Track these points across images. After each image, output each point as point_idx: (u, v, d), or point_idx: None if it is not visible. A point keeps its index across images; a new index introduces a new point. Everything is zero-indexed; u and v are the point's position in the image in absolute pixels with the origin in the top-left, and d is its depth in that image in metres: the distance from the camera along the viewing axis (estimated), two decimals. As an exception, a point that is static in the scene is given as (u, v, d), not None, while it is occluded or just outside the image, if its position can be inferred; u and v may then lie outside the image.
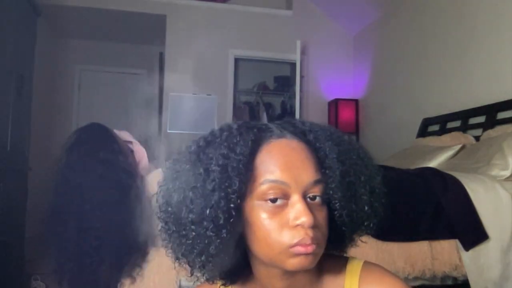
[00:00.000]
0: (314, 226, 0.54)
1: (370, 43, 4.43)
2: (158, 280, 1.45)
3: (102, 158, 1.44)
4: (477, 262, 1.61)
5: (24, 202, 2.77)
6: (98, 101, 5.06)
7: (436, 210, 1.63)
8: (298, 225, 0.53)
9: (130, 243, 1.43)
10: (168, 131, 4.33)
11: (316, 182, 0.56)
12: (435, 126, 3.13)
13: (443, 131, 2.95)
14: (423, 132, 3.22)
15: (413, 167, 2.08)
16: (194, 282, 0.65)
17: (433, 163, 2.33)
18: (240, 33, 4.54)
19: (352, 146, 0.63)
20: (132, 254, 1.44)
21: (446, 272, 1.63)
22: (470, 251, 1.60)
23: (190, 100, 4.39)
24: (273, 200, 0.55)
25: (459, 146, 2.44)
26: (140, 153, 1.72)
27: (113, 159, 1.47)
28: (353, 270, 0.63)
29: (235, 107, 4.71)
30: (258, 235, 0.55)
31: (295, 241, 0.53)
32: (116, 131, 1.65)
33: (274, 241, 0.54)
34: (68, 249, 1.39)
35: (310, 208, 0.55)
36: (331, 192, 0.58)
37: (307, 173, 0.56)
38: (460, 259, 1.62)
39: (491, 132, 2.40)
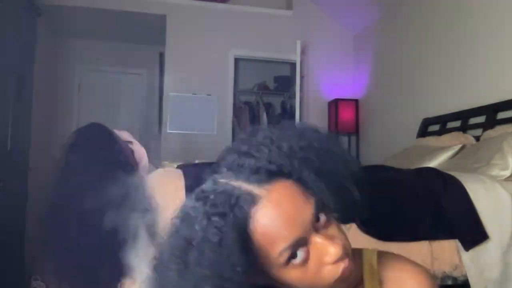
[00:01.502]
0: (343, 247, 0.54)
1: (370, 43, 4.43)
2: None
3: (102, 158, 1.44)
4: (477, 262, 1.61)
5: (24, 202, 2.77)
6: (98, 101, 5.06)
7: (436, 210, 1.63)
8: (332, 261, 0.53)
9: (130, 243, 1.43)
10: (168, 131, 4.34)
11: (315, 210, 0.54)
12: (435, 126, 3.13)
13: (443, 131, 2.95)
14: (423, 132, 3.22)
15: (413, 167, 2.08)
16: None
17: (433, 163, 2.33)
18: (240, 33, 4.54)
19: (315, 147, 0.57)
20: (132, 254, 1.44)
21: (446, 272, 1.63)
22: (470, 251, 1.60)
23: (190, 100, 4.39)
24: (295, 256, 0.52)
25: (459, 146, 2.44)
26: (140, 153, 1.72)
27: (113, 159, 1.47)
28: (368, 259, 0.64)
29: (235, 107, 4.71)
30: (302, 286, 0.54)
31: (339, 273, 0.53)
32: (116, 131, 1.65)
33: (320, 283, 0.54)
34: (68, 249, 1.39)
35: (326, 233, 0.54)
36: (327, 203, 0.56)
37: (305, 213, 0.53)
38: (460, 259, 1.62)
39: (491, 132, 2.40)
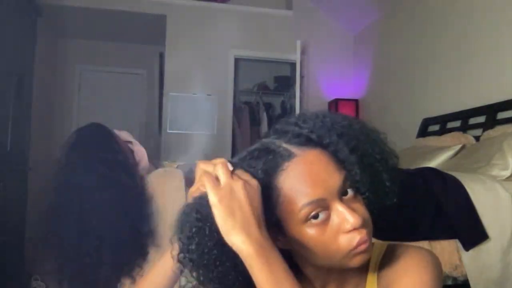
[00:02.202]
0: (364, 221, 0.56)
1: (370, 43, 4.43)
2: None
3: (102, 158, 1.45)
4: (477, 262, 1.61)
5: (24, 202, 2.77)
6: (98, 101, 5.06)
7: (436, 210, 1.63)
8: (350, 229, 0.55)
9: (130, 243, 1.43)
10: (168, 131, 4.34)
11: (345, 180, 0.57)
12: (435, 126, 3.13)
13: (443, 131, 2.95)
14: (423, 132, 3.22)
15: (413, 167, 2.08)
16: (195, 281, 0.64)
17: (433, 163, 2.33)
18: (240, 33, 4.54)
19: (355, 128, 0.62)
20: (132, 254, 1.44)
21: (446, 272, 1.63)
22: (470, 251, 1.60)
23: (190, 100, 4.39)
24: (316, 217, 0.55)
25: (459, 146, 2.44)
26: (140, 153, 1.72)
27: (113, 159, 1.47)
28: (378, 252, 0.66)
29: (235, 107, 4.71)
30: (316, 250, 0.57)
31: (355, 244, 0.55)
32: (116, 131, 1.65)
33: (335, 251, 0.56)
34: (68, 249, 1.39)
35: (350, 206, 0.56)
36: (356, 179, 0.59)
37: (333, 179, 0.56)
38: (460, 259, 1.62)
39: (491, 132, 2.40)
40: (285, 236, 0.59)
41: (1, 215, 2.27)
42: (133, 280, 1.44)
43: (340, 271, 0.63)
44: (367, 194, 0.60)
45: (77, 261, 1.38)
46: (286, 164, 0.56)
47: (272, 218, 0.57)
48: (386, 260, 0.64)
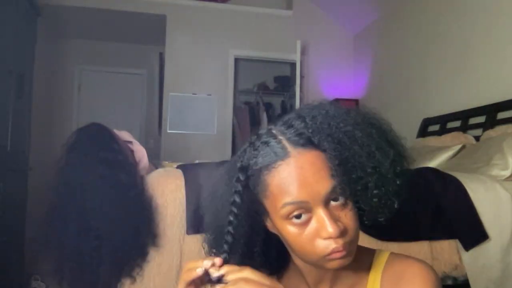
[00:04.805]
0: (343, 231, 0.56)
1: (370, 43, 4.43)
2: (158, 280, 1.45)
3: (102, 158, 1.44)
4: (477, 262, 1.61)
5: (24, 202, 2.77)
6: (98, 101, 5.06)
7: (436, 210, 1.63)
8: (327, 237, 0.56)
9: (130, 243, 1.43)
10: (168, 131, 4.34)
11: (334, 188, 0.57)
12: (435, 126, 3.13)
13: (443, 131, 2.95)
14: (423, 132, 3.22)
15: (413, 167, 2.08)
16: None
17: (433, 163, 2.33)
18: (240, 33, 4.54)
19: (357, 136, 0.61)
20: (132, 254, 1.44)
21: (446, 272, 1.63)
22: (470, 251, 1.60)
23: (190, 100, 4.39)
24: (298, 217, 0.57)
25: (459, 146, 2.44)
26: (140, 153, 1.72)
27: (113, 159, 1.47)
28: (380, 261, 0.67)
29: (235, 107, 4.71)
30: (294, 247, 0.59)
31: (328, 251, 0.56)
32: (116, 131, 1.65)
33: (310, 252, 0.58)
34: (68, 249, 1.39)
35: (334, 213, 0.57)
36: (348, 187, 0.58)
37: (321, 185, 0.57)
38: (460, 259, 1.62)
39: (491, 132, 2.40)
40: (272, 223, 0.62)
41: (1, 215, 2.27)
42: (133, 280, 1.44)
43: (334, 270, 0.64)
44: (362, 207, 0.60)
45: (77, 261, 1.38)
46: (279, 163, 0.58)
47: (260, 207, 0.61)
48: (390, 270, 0.65)
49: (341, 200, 0.58)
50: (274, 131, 0.62)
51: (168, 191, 1.54)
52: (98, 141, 1.50)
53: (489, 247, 1.61)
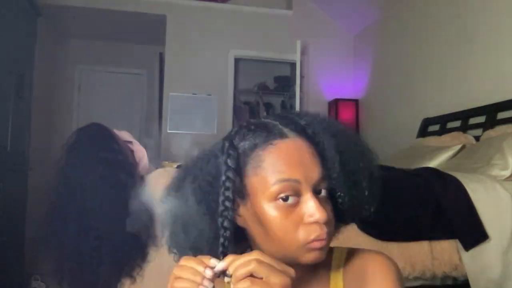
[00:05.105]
0: (327, 221, 0.56)
1: (370, 43, 4.43)
2: (158, 280, 1.45)
3: (102, 158, 1.44)
4: (477, 262, 1.61)
5: (24, 202, 2.77)
6: (98, 101, 5.06)
7: (436, 210, 1.63)
8: (313, 222, 0.55)
9: (130, 243, 1.43)
10: (168, 131, 4.34)
11: (324, 177, 0.58)
12: (435, 126, 3.13)
13: (443, 131, 2.95)
14: (423, 132, 3.22)
15: (413, 167, 2.08)
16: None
17: (433, 163, 2.33)
18: (240, 33, 4.54)
19: (349, 136, 0.65)
20: (132, 254, 1.44)
21: (446, 272, 1.63)
22: (470, 251, 1.60)
23: (190, 100, 4.39)
24: (285, 199, 0.56)
25: (459, 146, 2.44)
26: (140, 153, 1.72)
27: (113, 159, 1.47)
28: (338, 258, 0.66)
29: (235, 107, 4.71)
30: (272, 234, 0.57)
31: (312, 237, 0.55)
32: (116, 131, 1.65)
33: (291, 239, 0.56)
34: (68, 249, 1.39)
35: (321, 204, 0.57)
36: (334, 182, 0.60)
37: (315, 170, 0.57)
38: (460, 259, 1.62)
39: (491, 132, 2.40)
40: (248, 211, 0.59)
41: (1, 215, 2.27)
42: (133, 280, 1.44)
43: (300, 272, 0.61)
44: (342, 198, 0.61)
45: (77, 261, 1.38)
46: (276, 141, 0.58)
47: (242, 190, 0.58)
48: (351, 265, 0.65)
49: (323, 193, 0.58)
50: (267, 120, 0.63)
51: (168, 191, 1.54)
52: (98, 141, 1.50)
53: (489, 247, 1.62)
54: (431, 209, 1.63)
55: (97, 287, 1.41)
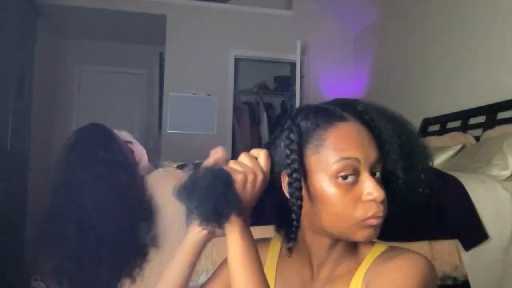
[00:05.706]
0: (383, 200, 0.59)
1: (370, 43, 4.43)
2: (158, 280, 1.45)
3: (102, 158, 1.44)
4: (477, 262, 1.61)
5: (24, 202, 2.78)
6: (98, 101, 5.06)
7: (436, 210, 1.63)
8: (370, 200, 0.58)
9: (130, 243, 1.43)
10: (168, 131, 4.34)
11: (379, 160, 0.61)
12: (435, 126, 3.13)
13: (443, 131, 2.95)
14: (423, 132, 3.22)
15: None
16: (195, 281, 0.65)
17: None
18: (240, 33, 4.54)
19: (403, 122, 0.68)
20: (132, 254, 1.44)
21: (446, 272, 1.63)
22: (470, 251, 1.60)
23: (190, 100, 4.39)
24: (345, 177, 0.59)
25: (459, 146, 2.44)
26: (140, 153, 1.72)
27: (113, 159, 1.47)
28: (375, 252, 0.66)
29: (235, 107, 4.71)
30: (331, 210, 0.60)
31: (369, 214, 0.58)
32: (116, 131, 1.65)
33: (348, 216, 0.59)
34: (68, 249, 1.39)
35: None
36: (392, 163, 0.63)
37: (373, 151, 0.61)
38: (460, 259, 1.62)
39: (491, 132, 2.40)
40: (307, 191, 0.62)
41: (1, 215, 2.27)
42: (133, 280, 1.44)
43: (340, 252, 0.66)
44: (398, 181, 0.64)
45: (77, 261, 1.38)
46: (338, 122, 0.61)
47: (302, 169, 0.61)
48: (380, 259, 0.64)
49: (378, 176, 0.61)
50: (327, 105, 0.66)
51: (168, 191, 1.53)
52: (98, 141, 1.50)
53: (489, 247, 1.61)
54: (431, 209, 1.63)
55: (97, 287, 1.41)
